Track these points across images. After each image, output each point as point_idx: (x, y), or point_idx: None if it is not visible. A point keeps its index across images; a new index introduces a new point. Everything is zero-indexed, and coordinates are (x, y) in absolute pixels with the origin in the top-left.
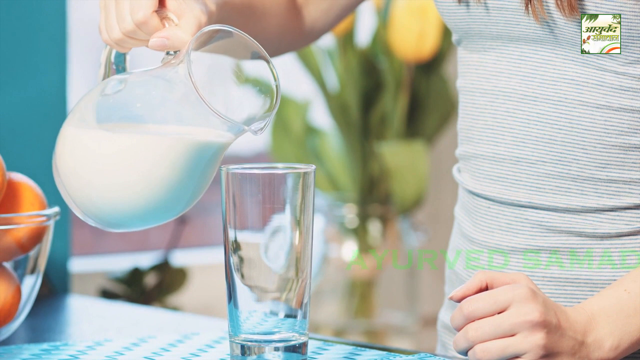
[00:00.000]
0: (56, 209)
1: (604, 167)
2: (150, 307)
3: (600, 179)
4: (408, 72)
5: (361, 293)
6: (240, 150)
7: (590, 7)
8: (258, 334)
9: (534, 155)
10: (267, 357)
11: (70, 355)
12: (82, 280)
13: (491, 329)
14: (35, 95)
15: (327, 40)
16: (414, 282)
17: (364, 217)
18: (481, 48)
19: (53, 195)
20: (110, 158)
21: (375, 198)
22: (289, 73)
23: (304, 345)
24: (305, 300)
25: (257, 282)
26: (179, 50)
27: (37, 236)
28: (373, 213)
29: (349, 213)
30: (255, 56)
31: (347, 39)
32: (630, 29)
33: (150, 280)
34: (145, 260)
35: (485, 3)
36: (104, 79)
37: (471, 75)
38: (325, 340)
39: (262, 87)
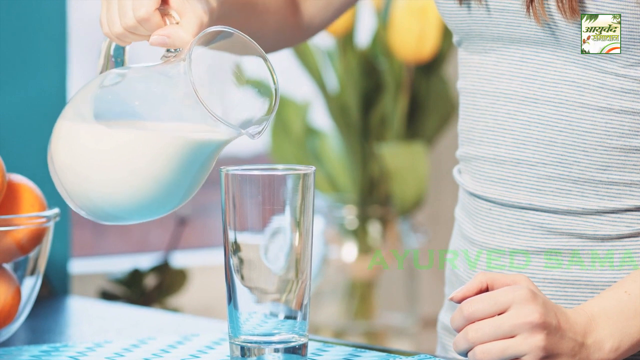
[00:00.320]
0: (56, 210)
1: (604, 170)
2: (150, 309)
3: (601, 181)
4: (408, 73)
5: (361, 294)
6: (239, 151)
7: (591, 9)
8: (258, 335)
9: (535, 157)
10: (267, 358)
11: (70, 357)
12: (82, 282)
13: (491, 330)
14: (35, 96)
15: (327, 41)
16: (414, 284)
17: (363, 219)
18: (482, 49)
19: (53, 197)
20: (107, 154)
21: (375, 199)
22: (288, 74)
23: (303, 346)
24: (305, 302)
25: (257, 283)
26: (179, 49)
27: (37, 237)
28: (373, 214)
29: (349, 214)
30: (255, 56)
31: (347, 40)
32: (632, 31)
33: (150, 281)
34: (145, 261)
35: (486, 4)
36: (102, 70)
37: (472, 77)
38: (325, 342)
39: (261, 90)
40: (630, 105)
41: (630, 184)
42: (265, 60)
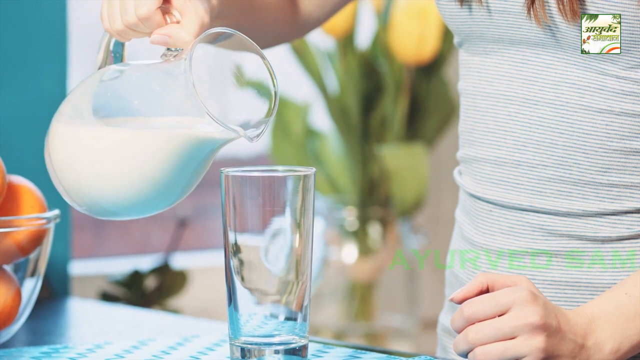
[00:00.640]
0: (56, 212)
1: (605, 171)
2: (150, 310)
3: (601, 183)
4: (408, 74)
5: (361, 296)
6: (240, 152)
7: (591, 11)
8: (258, 336)
9: (535, 159)
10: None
11: (70, 358)
12: (82, 283)
13: (491, 332)
14: (35, 97)
15: (328, 43)
16: (414, 285)
17: (364, 220)
18: (482, 51)
19: (53, 198)
20: (105, 151)
21: (375, 201)
22: (289, 75)
23: (304, 348)
24: (305, 303)
25: (257, 284)
26: (179, 48)
27: (37, 239)
28: (373, 216)
29: (349, 216)
30: (255, 57)
31: (348, 41)
32: (632, 34)
33: (151, 283)
34: (146, 263)
35: (487, 6)
36: (101, 65)
37: (472, 78)
38: (325, 343)
39: (261, 92)
40: (631, 108)
41: (631, 186)
42: (266, 62)
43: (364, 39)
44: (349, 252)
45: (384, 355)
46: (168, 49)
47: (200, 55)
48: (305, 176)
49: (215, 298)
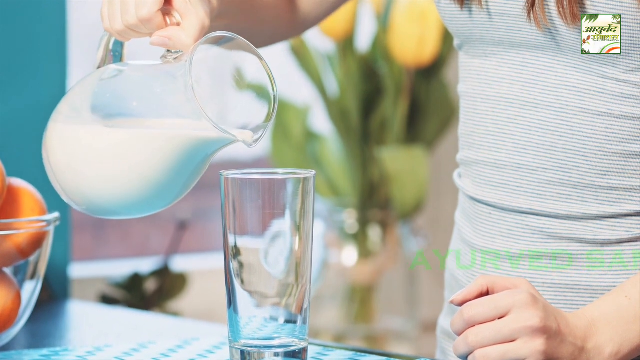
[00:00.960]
0: (56, 214)
1: (604, 175)
2: (150, 313)
3: (600, 186)
4: (408, 77)
5: (361, 298)
6: (239, 155)
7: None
8: (258, 339)
9: (535, 162)
10: None
11: None
12: (82, 286)
13: (491, 334)
14: (35, 100)
15: (327, 46)
16: (414, 288)
17: (364, 223)
18: (482, 53)
19: (53, 201)
20: (104, 151)
21: (375, 203)
22: (289, 78)
23: (303, 350)
24: (305, 306)
25: (257, 287)
26: (179, 50)
27: (37, 241)
28: (373, 218)
29: (349, 218)
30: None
31: (347, 44)
32: (632, 37)
33: (150, 285)
34: (145, 265)
35: (487, 9)
36: (100, 63)
37: (472, 81)
38: (325, 346)
39: (260, 96)
40: (631, 111)
41: (630, 189)
42: (265, 66)
43: (363, 42)
44: (349, 255)
45: (384, 358)
46: (168, 50)
47: (200, 58)
48: (305, 179)
49: (215, 301)
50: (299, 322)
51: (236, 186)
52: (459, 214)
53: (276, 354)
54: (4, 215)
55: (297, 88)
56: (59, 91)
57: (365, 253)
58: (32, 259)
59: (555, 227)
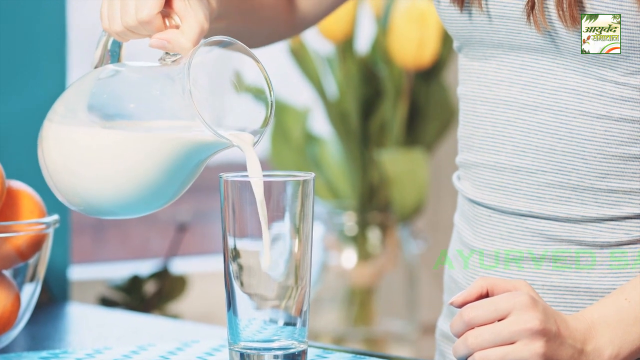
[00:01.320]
0: (55, 216)
1: (603, 177)
2: (149, 315)
3: (600, 188)
4: (408, 79)
5: (361, 301)
6: (239, 158)
7: None
8: (257, 341)
9: (534, 164)
10: None
11: None
12: (82, 288)
13: (491, 337)
14: (34, 102)
15: (327, 48)
16: (414, 290)
17: (363, 225)
18: (482, 56)
19: (52, 203)
20: (100, 153)
21: (374, 206)
22: (288, 80)
23: (303, 353)
24: (304, 308)
25: (256, 289)
26: (177, 53)
27: (36, 244)
28: (373, 221)
29: (349, 221)
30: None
31: (347, 46)
32: (632, 40)
33: (150, 288)
34: (145, 268)
35: (487, 11)
36: (98, 63)
37: (472, 83)
38: (324, 348)
39: (258, 99)
40: (630, 113)
41: (629, 191)
42: (263, 71)
43: (363, 44)
44: (349, 257)
45: None
46: (166, 53)
47: (198, 61)
48: (305, 181)
49: (215, 303)
50: (299, 324)
51: (236, 189)
52: (458, 216)
53: (276, 357)
54: (3, 218)
55: (296, 90)
56: (59, 93)
57: (364, 255)
58: (31, 261)
59: (555, 230)
